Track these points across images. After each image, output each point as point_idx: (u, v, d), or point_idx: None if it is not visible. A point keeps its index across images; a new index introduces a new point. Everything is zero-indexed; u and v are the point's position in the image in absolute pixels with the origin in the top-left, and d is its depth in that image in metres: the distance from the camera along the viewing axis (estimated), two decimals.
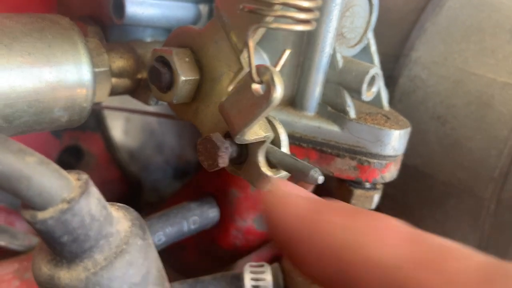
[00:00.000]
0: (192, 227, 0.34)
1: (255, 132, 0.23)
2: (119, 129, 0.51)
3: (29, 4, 0.39)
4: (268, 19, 0.18)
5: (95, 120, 0.49)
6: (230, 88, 0.25)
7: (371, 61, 0.31)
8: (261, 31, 0.20)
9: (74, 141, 0.49)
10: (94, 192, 0.18)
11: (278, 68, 0.19)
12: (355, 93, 0.28)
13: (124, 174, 0.55)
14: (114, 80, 0.29)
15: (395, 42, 0.40)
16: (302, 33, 0.29)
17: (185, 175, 0.61)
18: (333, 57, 0.28)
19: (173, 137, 0.57)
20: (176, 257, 0.42)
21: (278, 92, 0.19)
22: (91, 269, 0.17)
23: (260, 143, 0.24)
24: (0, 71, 0.22)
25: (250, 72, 0.19)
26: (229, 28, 0.23)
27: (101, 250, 0.18)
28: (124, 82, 0.30)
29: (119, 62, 0.29)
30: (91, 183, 0.18)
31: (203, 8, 0.32)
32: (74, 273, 0.17)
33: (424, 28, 0.37)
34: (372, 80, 0.28)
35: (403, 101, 0.38)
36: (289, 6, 0.17)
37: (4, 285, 0.36)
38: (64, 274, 0.17)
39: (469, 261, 0.13)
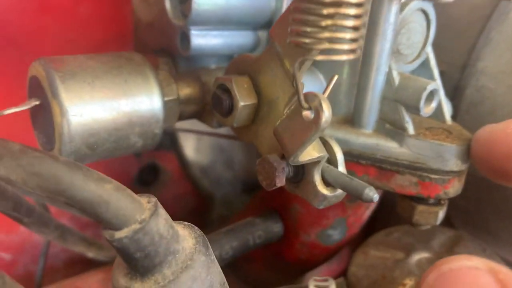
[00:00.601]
0: (257, 241, 0.36)
1: (309, 153, 0.24)
2: (191, 147, 0.55)
3: (110, 40, 0.44)
4: (314, 51, 0.19)
5: (169, 140, 0.53)
6: (285, 111, 0.26)
7: (431, 75, 0.31)
8: (308, 63, 0.21)
9: (151, 160, 0.53)
10: (162, 213, 0.20)
11: (326, 94, 0.21)
12: (413, 109, 0.28)
13: (197, 188, 0.59)
14: (182, 106, 0.32)
15: (461, 52, 0.39)
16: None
17: (254, 189, 0.63)
18: (389, 74, 0.29)
19: (241, 153, 0.60)
20: (244, 269, 0.44)
21: (326, 118, 0.20)
22: (161, 282, 0.19)
23: (315, 163, 0.25)
24: (85, 106, 0.26)
25: (298, 100, 0.20)
26: (282, 56, 0.25)
27: (169, 265, 0.20)
28: (191, 108, 0.32)
29: (186, 90, 0.32)
30: (159, 205, 0.20)
31: (262, 34, 0.34)
32: (146, 286, 0.20)
33: (490, 37, 0.36)
34: (431, 95, 0.28)
35: (470, 112, 0.37)
36: (334, 40, 0.18)
37: None
38: (138, 287, 0.20)
39: None
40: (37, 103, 0.26)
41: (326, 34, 0.18)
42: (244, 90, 0.28)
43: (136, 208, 0.19)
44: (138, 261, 0.19)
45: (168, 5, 0.31)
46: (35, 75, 0.26)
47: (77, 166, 0.18)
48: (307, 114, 0.20)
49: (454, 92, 0.39)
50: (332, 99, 0.31)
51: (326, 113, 0.20)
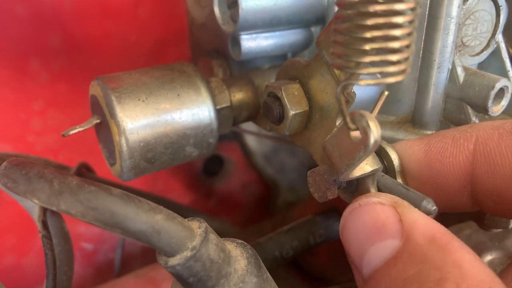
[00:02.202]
0: (318, 240, 0.36)
1: (362, 168, 0.23)
2: (253, 136, 0.55)
3: (168, 40, 0.44)
4: (357, 75, 0.18)
5: (231, 130, 0.54)
6: (338, 119, 0.25)
7: (502, 67, 0.28)
8: (351, 86, 0.20)
9: (215, 151, 0.54)
10: (213, 238, 0.20)
11: (375, 114, 0.19)
12: (481, 109, 0.26)
13: (261, 176, 0.59)
14: (235, 112, 0.32)
15: None
16: (417, 49, 0.27)
17: None
18: (452, 71, 0.26)
19: None
20: (308, 262, 0.44)
21: (375, 138, 0.19)
22: None
23: (369, 175, 0.24)
24: (140, 123, 0.27)
25: (344, 122, 0.19)
26: (331, 65, 0.24)
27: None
28: (244, 112, 0.32)
29: (239, 95, 0.32)
30: (209, 229, 0.21)
31: (315, 30, 0.32)
32: None
33: None
34: (501, 93, 0.26)
35: None
36: (379, 64, 0.17)
37: (165, 283, 0.42)
38: None
39: None
40: (98, 121, 0.28)
41: (370, 58, 0.17)
42: (294, 98, 0.27)
43: (187, 236, 0.20)
44: (191, 285, 0.20)
45: (217, 11, 0.30)
46: (94, 94, 0.28)
47: (130, 198, 0.19)
48: (355, 134, 0.20)
49: None
50: (390, 98, 0.29)
51: (375, 133, 0.19)
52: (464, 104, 0.26)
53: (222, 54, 0.36)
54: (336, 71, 0.23)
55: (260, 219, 0.58)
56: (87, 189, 0.19)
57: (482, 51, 0.28)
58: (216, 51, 0.37)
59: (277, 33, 0.31)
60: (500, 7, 0.27)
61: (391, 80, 0.17)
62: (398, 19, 0.16)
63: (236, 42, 0.31)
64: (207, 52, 0.37)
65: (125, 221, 0.19)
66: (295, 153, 0.60)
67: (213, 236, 0.21)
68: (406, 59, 0.17)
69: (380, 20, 0.16)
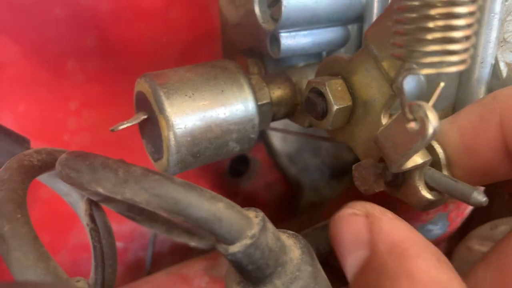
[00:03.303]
0: None
1: (413, 160, 0.23)
2: (278, 137, 0.56)
3: (199, 40, 0.45)
4: (420, 65, 0.18)
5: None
6: (383, 113, 0.26)
7: None
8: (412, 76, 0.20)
9: None
10: (270, 227, 0.21)
11: (432, 103, 0.20)
12: None
13: (285, 176, 0.60)
14: (274, 108, 0.32)
15: None
16: None
17: (342, 174, 0.63)
18: (495, 66, 0.27)
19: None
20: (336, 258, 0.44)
21: (433, 129, 0.19)
22: None
23: (418, 168, 0.24)
24: (188, 118, 0.27)
25: (403, 112, 0.20)
26: (380, 59, 0.24)
27: (279, 276, 0.21)
28: (283, 109, 0.33)
29: (277, 92, 0.32)
30: (266, 219, 0.21)
31: (352, 28, 0.33)
32: None
33: None
34: None
35: None
36: (442, 52, 0.17)
37: (196, 280, 0.43)
38: None
39: None
40: (145, 117, 0.28)
41: (433, 48, 0.17)
42: (338, 93, 0.27)
43: (246, 224, 0.20)
44: (250, 272, 0.21)
45: (257, 9, 0.31)
46: (141, 90, 0.28)
47: (192, 187, 0.20)
48: (412, 125, 0.20)
49: None
50: (431, 92, 0.30)
51: (434, 124, 0.19)
52: None
53: (257, 53, 0.37)
54: (385, 65, 0.24)
55: (283, 219, 0.58)
56: (152, 178, 0.20)
57: None
58: (251, 49, 0.37)
59: (315, 31, 0.32)
60: None
61: (453, 69, 0.18)
62: (461, 10, 0.17)
63: (276, 40, 0.32)
64: (241, 51, 0.38)
65: (188, 208, 0.19)
66: (318, 154, 0.60)
67: (270, 225, 0.21)
68: (467, 49, 0.18)
69: (443, 11, 0.17)
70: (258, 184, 0.57)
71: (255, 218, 0.21)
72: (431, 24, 0.17)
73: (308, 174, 0.60)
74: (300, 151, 0.59)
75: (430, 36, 0.17)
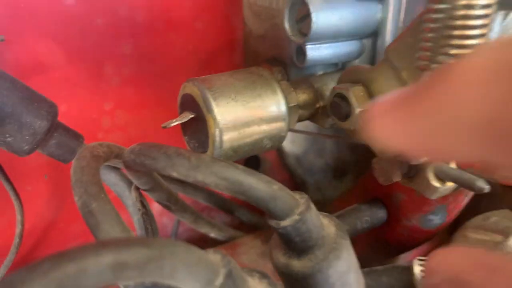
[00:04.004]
0: (364, 225, 0.41)
1: None
2: (287, 139, 0.60)
3: (223, 49, 0.49)
4: None
5: None
6: None
7: None
8: None
9: None
10: (312, 207, 0.25)
11: None
12: None
13: (292, 176, 0.64)
14: (300, 111, 0.37)
15: None
16: None
17: (343, 175, 0.67)
18: None
19: (332, 143, 0.64)
20: None
21: None
22: (314, 260, 0.25)
23: (430, 161, 0.29)
24: (231, 117, 0.31)
25: None
26: (400, 69, 0.29)
27: (319, 247, 0.25)
28: (307, 111, 0.37)
29: (303, 96, 0.37)
30: (310, 200, 0.25)
31: (366, 42, 0.38)
32: (302, 263, 0.25)
33: None
34: None
35: None
36: None
37: None
38: (296, 263, 0.25)
39: None
40: (193, 116, 0.32)
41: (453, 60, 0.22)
42: (360, 98, 0.32)
43: (295, 204, 0.24)
44: (296, 244, 0.25)
45: (287, 25, 0.36)
46: (189, 93, 0.33)
47: (252, 172, 0.24)
48: None
49: None
50: None
51: None
52: None
53: (280, 62, 0.41)
54: (404, 75, 0.29)
55: None
56: (219, 164, 0.24)
57: None
58: (274, 58, 0.42)
59: (335, 44, 0.37)
60: None
61: None
62: (475, 32, 0.22)
63: (302, 51, 0.36)
64: (266, 60, 0.42)
65: (250, 189, 0.24)
66: (323, 155, 0.65)
67: (312, 206, 0.25)
68: None
69: (461, 33, 0.22)
70: None
71: (301, 199, 0.25)
72: (451, 43, 0.22)
73: (312, 174, 0.64)
74: (306, 153, 0.63)
75: (450, 52, 0.22)
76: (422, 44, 0.23)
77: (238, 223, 0.60)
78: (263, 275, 0.23)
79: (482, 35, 0.22)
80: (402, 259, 0.51)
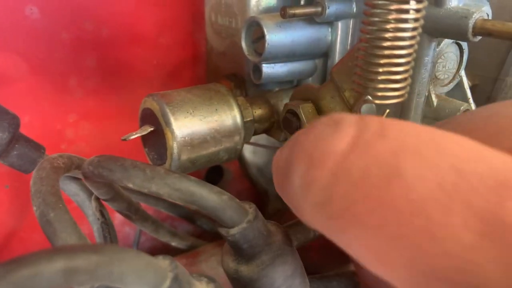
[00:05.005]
0: (317, 233, 0.43)
1: None
2: (249, 150, 0.62)
3: (186, 64, 0.51)
4: (373, 98, 0.26)
5: None
6: None
7: (464, 95, 0.37)
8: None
9: None
10: (260, 216, 0.27)
11: None
12: None
13: (254, 185, 0.66)
14: (256, 125, 0.39)
15: (493, 66, 0.44)
16: None
17: None
18: (428, 97, 0.35)
19: None
20: (302, 257, 0.51)
21: None
22: (261, 265, 0.27)
23: None
24: (188, 131, 0.33)
25: None
26: (342, 89, 0.31)
27: (266, 253, 0.27)
28: (262, 125, 0.40)
29: (258, 112, 0.39)
30: (257, 210, 0.27)
31: (318, 62, 0.40)
32: (250, 268, 0.27)
33: None
34: None
35: None
36: (388, 90, 0.25)
37: None
38: (244, 268, 0.27)
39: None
40: (152, 129, 0.34)
41: (381, 86, 0.25)
42: (309, 114, 0.34)
43: (243, 213, 0.26)
44: (244, 250, 0.27)
45: (244, 44, 0.38)
46: (148, 107, 0.34)
47: (203, 183, 0.26)
48: None
49: (487, 103, 0.44)
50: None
51: None
52: (437, 122, 0.35)
53: (239, 78, 0.43)
54: (346, 95, 0.31)
55: None
56: (173, 176, 0.25)
57: (449, 82, 0.36)
58: (234, 75, 0.44)
59: (290, 63, 0.39)
60: (463, 50, 0.35)
61: (394, 101, 0.25)
62: (400, 60, 0.24)
63: (258, 69, 0.39)
64: (225, 76, 0.45)
65: (201, 199, 0.25)
66: None
67: (260, 215, 0.27)
68: (405, 87, 0.25)
69: (388, 61, 0.24)
70: (230, 192, 0.63)
71: (249, 208, 0.27)
72: (380, 69, 0.24)
73: (274, 184, 0.67)
74: (268, 164, 0.65)
75: (379, 78, 0.24)
76: (356, 70, 0.26)
77: (200, 232, 0.62)
78: (210, 279, 0.25)
79: (408, 63, 0.25)
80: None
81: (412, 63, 0.25)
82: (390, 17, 0.24)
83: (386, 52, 0.24)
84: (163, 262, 0.22)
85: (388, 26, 0.24)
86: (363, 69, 0.25)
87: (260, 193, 0.67)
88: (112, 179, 0.26)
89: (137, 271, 0.19)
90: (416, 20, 0.24)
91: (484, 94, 0.44)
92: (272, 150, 0.66)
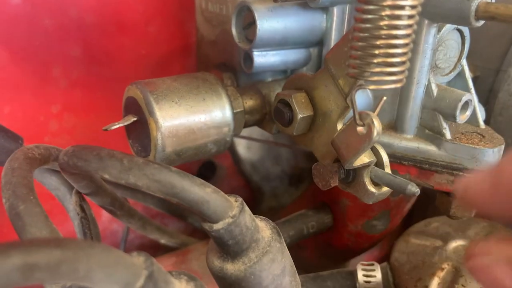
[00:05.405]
0: (311, 231, 0.41)
1: (361, 159, 0.29)
2: (243, 145, 0.60)
3: (175, 53, 0.49)
4: (368, 82, 0.24)
5: None
6: (339, 122, 0.31)
7: (465, 85, 0.35)
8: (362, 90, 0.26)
9: (209, 157, 0.59)
10: (247, 210, 0.25)
11: (376, 113, 0.25)
12: (450, 117, 0.32)
13: (248, 182, 0.64)
14: (247, 116, 0.37)
15: (495, 57, 0.43)
16: None
17: (300, 182, 0.68)
18: (428, 87, 0.33)
19: (288, 150, 0.65)
20: (297, 256, 0.49)
21: (378, 132, 0.25)
22: (247, 263, 0.25)
23: (366, 166, 0.30)
24: (174, 121, 0.31)
25: (354, 118, 0.25)
26: (337, 77, 0.30)
27: (253, 250, 0.25)
28: (253, 117, 0.38)
29: (249, 103, 0.37)
30: (244, 203, 0.25)
31: (313, 51, 0.39)
32: (236, 266, 0.25)
33: None
34: (466, 105, 0.32)
35: (503, 114, 0.41)
36: (384, 73, 0.23)
37: None
38: (230, 266, 0.25)
39: None
40: (135, 119, 0.32)
41: (378, 69, 0.23)
42: (302, 104, 0.33)
43: (228, 206, 0.24)
44: (230, 247, 0.25)
45: (234, 30, 0.36)
46: (132, 96, 0.32)
47: (185, 174, 0.24)
48: (361, 129, 0.25)
49: (488, 95, 0.42)
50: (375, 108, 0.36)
51: (378, 128, 0.25)
52: (437, 114, 0.33)
53: (230, 67, 0.42)
54: (341, 82, 0.29)
55: None
56: (152, 166, 0.24)
57: (450, 72, 0.35)
58: (224, 64, 0.42)
59: (283, 51, 0.37)
60: (465, 38, 0.34)
61: (392, 86, 0.23)
62: (398, 41, 0.22)
63: (249, 58, 0.37)
64: (216, 65, 0.43)
65: (183, 192, 0.23)
66: (279, 162, 0.66)
67: (247, 208, 0.26)
68: (402, 71, 0.23)
69: (385, 42, 0.22)
70: (223, 189, 0.60)
71: (235, 202, 0.25)
72: (376, 52, 0.23)
73: (269, 181, 0.65)
74: (262, 160, 0.64)
75: (375, 61, 0.23)
76: (351, 53, 0.24)
77: (192, 230, 0.60)
78: (191, 277, 0.23)
79: (406, 44, 0.23)
80: (352, 265, 0.52)
81: (411, 46, 0.23)
82: None
83: (383, 32, 0.22)
84: (137, 258, 0.20)
85: (385, 3, 0.22)
86: (358, 51, 0.23)
87: (254, 190, 0.65)
88: (87, 169, 0.25)
89: (106, 268, 0.17)
90: None
91: (486, 86, 0.42)
92: (267, 146, 0.64)
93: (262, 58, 0.36)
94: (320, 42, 0.38)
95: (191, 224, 0.57)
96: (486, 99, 0.43)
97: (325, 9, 0.36)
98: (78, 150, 0.25)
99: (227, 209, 0.24)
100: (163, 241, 0.49)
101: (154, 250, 0.54)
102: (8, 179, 0.25)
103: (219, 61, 0.43)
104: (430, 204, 0.42)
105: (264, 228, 0.27)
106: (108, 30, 0.45)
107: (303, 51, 0.38)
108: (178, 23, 0.49)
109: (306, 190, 0.55)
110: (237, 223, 0.24)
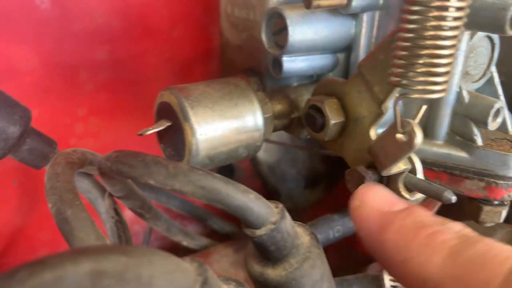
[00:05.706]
0: (336, 235, 0.42)
1: (398, 166, 0.29)
2: (261, 148, 0.61)
3: (199, 58, 0.50)
4: (411, 91, 0.24)
5: None
6: (371, 128, 0.31)
7: (495, 92, 0.35)
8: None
9: None
10: (287, 216, 0.26)
11: (417, 121, 0.26)
12: (481, 124, 0.33)
13: (265, 184, 0.65)
14: (275, 121, 0.37)
15: None
16: None
17: (315, 184, 0.69)
18: (459, 93, 0.33)
19: (304, 152, 0.65)
20: None
21: (419, 141, 0.25)
22: (288, 269, 0.25)
23: (400, 173, 0.30)
24: (208, 126, 0.32)
25: (395, 125, 0.25)
26: (372, 84, 0.30)
27: (294, 256, 0.26)
28: (282, 122, 0.38)
29: (278, 107, 0.37)
30: (285, 209, 0.26)
31: (340, 56, 0.39)
32: (277, 271, 0.25)
33: None
34: (497, 112, 0.32)
35: None
36: (428, 83, 0.23)
37: None
38: (271, 272, 0.25)
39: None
40: (169, 124, 0.32)
41: (422, 78, 0.23)
42: (334, 110, 0.33)
43: (270, 212, 0.25)
44: (271, 252, 0.25)
45: (264, 37, 0.36)
46: (166, 101, 0.33)
47: (229, 181, 0.24)
48: (401, 137, 0.26)
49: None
50: (406, 114, 0.36)
51: (419, 137, 0.25)
52: (468, 120, 0.33)
53: (256, 72, 0.42)
54: (376, 89, 0.30)
55: None
56: (197, 172, 0.24)
57: (480, 78, 0.35)
58: (251, 69, 0.42)
59: (311, 57, 0.37)
60: (495, 44, 0.34)
61: (435, 96, 0.24)
62: (443, 52, 0.23)
63: (278, 63, 0.37)
64: (242, 70, 0.43)
65: (227, 198, 0.24)
66: (295, 164, 0.66)
67: (287, 215, 0.26)
68: (446, 81, 0.24)
69: (430, 52, 0.23)
70: None
71: (276, 208, 0.26)
72: (421, 61, 0.23)
73: (285, 183, 0.65)
74: (279, 162, 0.64)
75: (420, 70, 0.23)
76: (394, 61, 0.24)
77: (209, 232, 0.60)
78: (239, 284, 0.23)
79: (450, 55, 0.23)
80: (371, 269, 0.52)
81: (455, 55, 0.23)
82: (433, 4, 0.22)
83: (428, 42, 0.23)
84: (191, 265, 0.20)
85: (431, 14, 0.22)
86: (402, 60, 0.24)
87: (270, 192, 0.65)
88: (133, 175, 0.25)
89: (167, 275, 0.18)
90: (459, 8, 0.23)
91: (510, 91, 0.43)
92: (284, 148, 0.65)
93: (291, 64, 0.37)
94: (348, 47, 0.38)
95: (209, 226, 0.57)
96: (510, 105, 0.43)
97: (355, 16, 0.36)
98: (122, 155, 0.26)
99: (269, 215, 0.25)
100: (185, 243, 0.49)
101: (174, 251, 0.54)
102: (53, 183, 0.26)
103: (245, 66, 0.43)
104: (455, 209, 0.42)
105: (302, 234, 0.27)
106: (133, 35, 0.45)
107: (331, 56, 0.38)
108: (201, 28, 0.49)
109: (326, 195, 0.55)
110: (278, 229, 0.25)
